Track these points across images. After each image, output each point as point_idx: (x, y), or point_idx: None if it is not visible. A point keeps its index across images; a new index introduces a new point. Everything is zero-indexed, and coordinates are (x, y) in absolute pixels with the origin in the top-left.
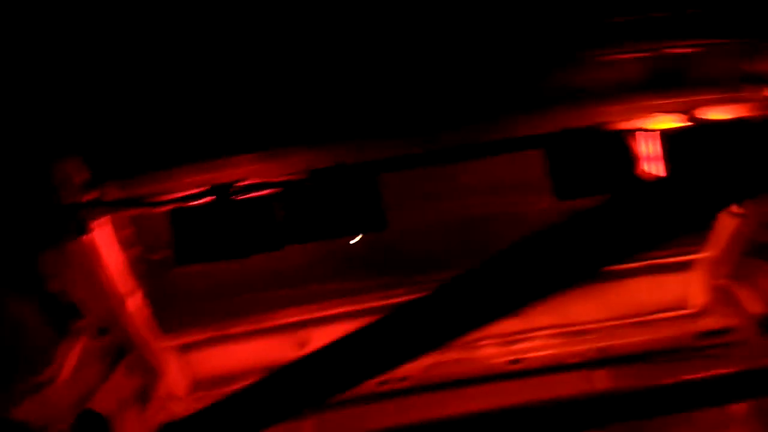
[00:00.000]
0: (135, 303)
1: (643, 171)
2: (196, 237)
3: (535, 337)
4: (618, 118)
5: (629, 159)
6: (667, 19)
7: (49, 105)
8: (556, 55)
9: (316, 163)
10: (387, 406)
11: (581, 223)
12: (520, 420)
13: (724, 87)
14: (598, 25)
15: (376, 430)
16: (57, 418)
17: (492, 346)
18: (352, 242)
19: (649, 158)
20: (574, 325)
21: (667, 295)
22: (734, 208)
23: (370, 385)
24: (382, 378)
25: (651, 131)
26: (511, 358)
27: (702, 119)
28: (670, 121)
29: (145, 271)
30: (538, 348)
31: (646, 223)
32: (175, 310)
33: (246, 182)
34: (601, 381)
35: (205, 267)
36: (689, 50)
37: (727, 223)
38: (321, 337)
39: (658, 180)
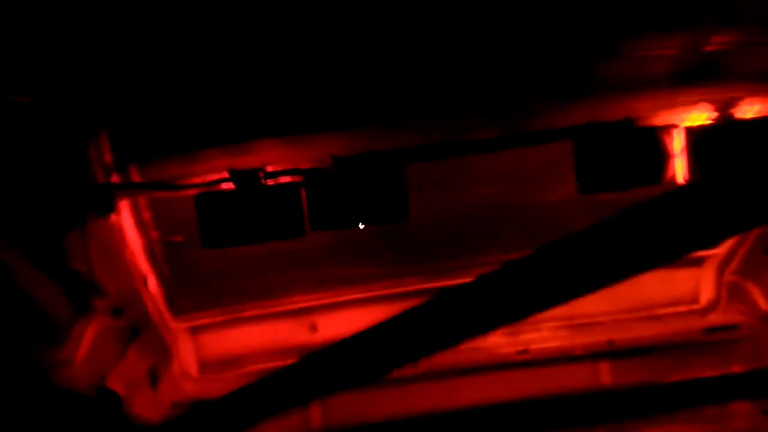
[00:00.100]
0: (152, 284)
1: (668, 163)
2: (222, 222)
3: (543, 327)
4: (649, 112)
5: (657, 155)
6: (704, 12)
7: (82, 86)
8: (592, 46)
9: (342, 150)
10: (394, 393)
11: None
12: (524, 412)
13: (761, 83)
14: (636, 16)
15: (382, 417)
16: (74, 396)
17: (500, 336)
18: (361, 227)
19: (678, 155)
20: (582, 317)
21: (677, 289)
22: None
23: None
24: None
25: (681, 126)
26: (519, 348)
27: (733, 116)
28: (703, 118)
29: (163, 253)
30: (546, 339)
31: (681, 230)
32: (190, 293)
33: (271, 168)
34: (606, 374)
35: (221, 250)
36: (726, 46)
37: None
38: (331, 322)
39: (697, 184)
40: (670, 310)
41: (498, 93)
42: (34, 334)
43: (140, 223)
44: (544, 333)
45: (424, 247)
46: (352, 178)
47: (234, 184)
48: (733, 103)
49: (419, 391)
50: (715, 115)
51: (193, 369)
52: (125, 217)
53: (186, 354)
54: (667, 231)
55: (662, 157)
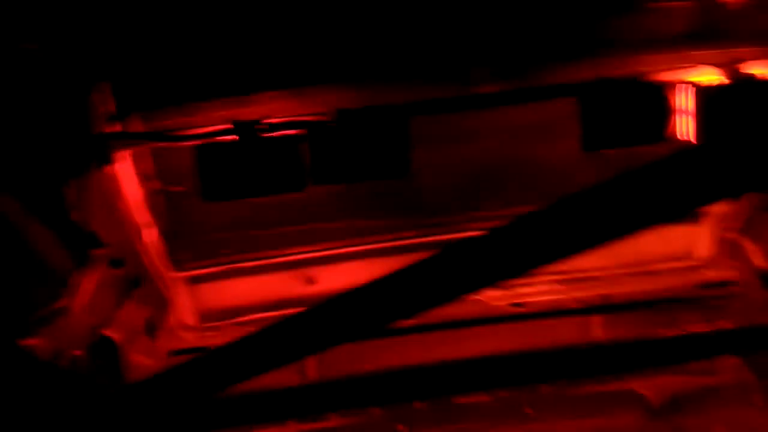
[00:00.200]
0: (151, 235)
1: (676, 126)
2: (222, 174)
3: (538, 281)
4: (657, 69)
5: (663, 113)
6: None
7: (86, 36)
8: (601, 0)
9: (344, 103)
10: (389, 344)
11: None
12: (516, 364)
13: None
14: None
15: (377, 369)
16: (72, 344)
17: (495, 290)
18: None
19: (684, 113)
20: (577, 271)
21: (673, 245)
22: None
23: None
24: None
25: (689, 85)
26: (514, 301)
27: (744, 74)
28: (712, 75)
29: (162, 204)
30: (541, 293)
31: (685, 188)
32: (188, 243)
33: (272, 120)
34: (599, 328)
35: (221, 202)
36: (737, 5)
37: None
38: (328, 275)
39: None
40: (665, 265)
41: (504, 47)
42: (33, 283)
43: (141, 174)
44: (539, 287)
45: (425, 202)
46: (354, 131)
47: (235, 135)
48: (743, 63)
49: (414, 344)
50: (724, 74)
51: (191, 319)
52: (126, 168)
53: (184, 304)
54: (674, 190)
55: (668, 115)
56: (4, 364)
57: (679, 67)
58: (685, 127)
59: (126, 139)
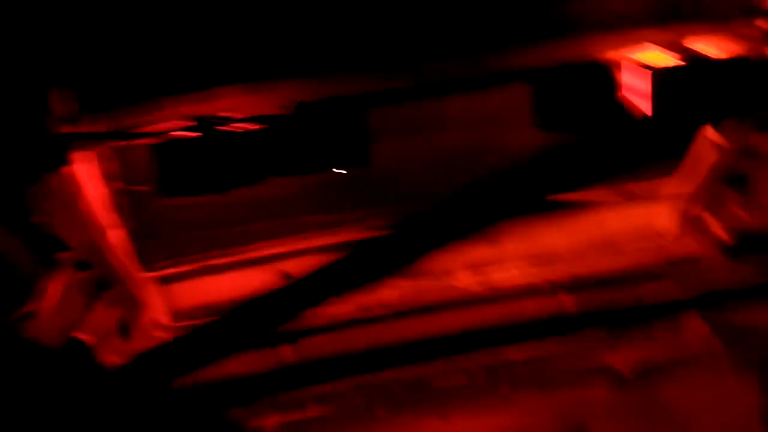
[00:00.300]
0: (117, 236)
1: (628, 104)
2: (180, 170)
3: (508, 263)
4: (608, 51)
5: (616, 94)
6: None
7: (35, 36)
8: None
9: (302, 96)
10: (366, 331)
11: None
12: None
13: (722, 20)
14: None
15: (355, 349)
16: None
17: (465, 272)
18: (336, 171)
19: (636, 93)
20: (545, 252)
21: (640, 223)
22: (710, 138)
23: (350, 312)
24: (363, 305)
25: (640, 66)
26: (485, 283)
27: (694, 53)
28: (662, 55)
29: (127, 204)
30: (511, 274)
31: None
32: (157, 243)
33: (230, 115)
34: (569, 306)
35: (186, 200)
36: None
37: (700, 152)
38: (301, 269)
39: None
40: (631, 243)
41: (456, 35)
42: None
43: (103, 174)
44: (509, 268)
45: (388, 192)
46: (313, 124)
47: (194, 131)
48: (697, 39)
49: (391, 328)
50: (675, 55)
51: (164, 318)
52: (87, 169)
53: (156, 304)
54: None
55: (621, 95)
56: None
57: (630, 48)
58: (642, 106)
59: (84, 140)
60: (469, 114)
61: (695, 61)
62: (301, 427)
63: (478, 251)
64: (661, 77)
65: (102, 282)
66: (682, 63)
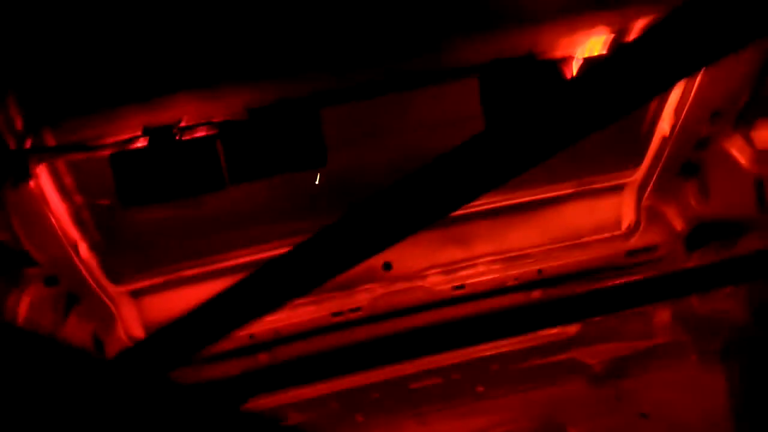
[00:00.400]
0: (83, 250)
1: None
2: (138, 180)
3: (477, 263)
4: (553, 44)
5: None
6: None
7: None
8: None
9: (255, 100)
10: (340, 336)
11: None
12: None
13: (654, 5)
14: None
15: (329, 353)
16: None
17: (437, 275)
18: (317, 182)
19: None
20: (513, 250)
21: (601, 217)
22: (663, 128)
23: (323, 316)
24: (336, 310)
25: (582, 58)
26: (456, 284)
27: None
28: (599, 46)
29: (93, 217)
30: (481, 273)
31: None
32: (125, 256)
33: (185, 123)
34: (538, 301)
35: (153, 211)
36: None
37: (655, 144)
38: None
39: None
40: (595, 237)
41: (403, 32)
42: None
43: (63, 188)
44: (479, 268)
45: (353, 197)
46: (267, 127)
47: (149, 141)
48: (626, 28)
49: (365, 332)
50: (609, 42)
51: (138, 332)
52: (45, 183)
53: (130, 318)
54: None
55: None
56: None
57: (572, 41)
58: None
59: (39, 154)
60: (424, 115)
61: (620, 47)
62: None
63: (449, 254)
64: (588, 66)
65: (72, 296)
66: (613, 50)
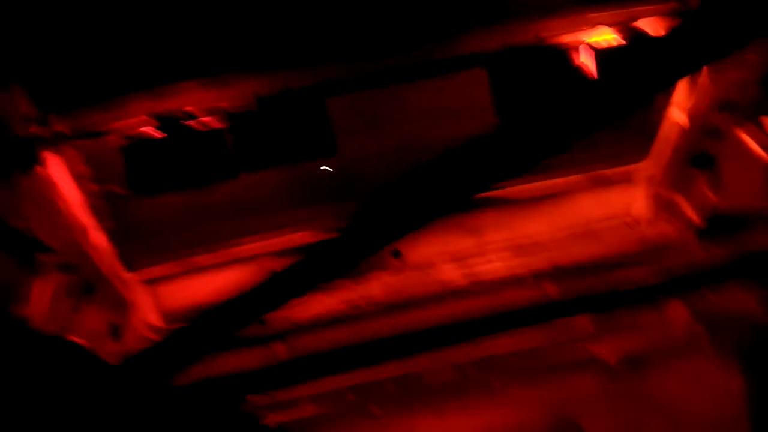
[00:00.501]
0: (98, 237)
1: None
2: (149, 168)
3: (489, 253)
4: (560, 32)
5: (571, 75)
6: None
7: None
8: None
9: (264, 89)
10: (355, 327)
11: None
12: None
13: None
14: None
15: (345, 345)
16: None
17: (450, 266)
18: (323, 168)
19: (590, 75)
20: (525, 240)
21: (612, 207)
22: (675, 119)
23: (338, 308)
24: (349, 300)
25: (591, 46)
26: (467, 274)
27: (639, 33)
28: (608, 35)
29: (106, 205)
30: (494, 265)
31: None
32: (140, 244)
33: (195, 112)
34: (551, 290)
35: (165, 199)
36: None
37: (667, 134)
38: (288, 265)
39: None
40: (608, 228)
41: (411, 23)
42: None
43: (76, 176)
44: (491, 258)
45: (363, 185)
46: (276, 116)
47: (159, 129)
48: (636, 21)
49: (378, 323)
50: (619, 33)
51: (155, 319)
52: (57, 170)
53: (146, 305)
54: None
55: (574, 77)
56: None
57: (579, 29)
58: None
59: (48, 141)
60: (433, 104)
61: (637, 38)
62: (298, 426)
63: (460, 243)
64: (603, 57)
65: (89, 284)
66: (624, 41)
